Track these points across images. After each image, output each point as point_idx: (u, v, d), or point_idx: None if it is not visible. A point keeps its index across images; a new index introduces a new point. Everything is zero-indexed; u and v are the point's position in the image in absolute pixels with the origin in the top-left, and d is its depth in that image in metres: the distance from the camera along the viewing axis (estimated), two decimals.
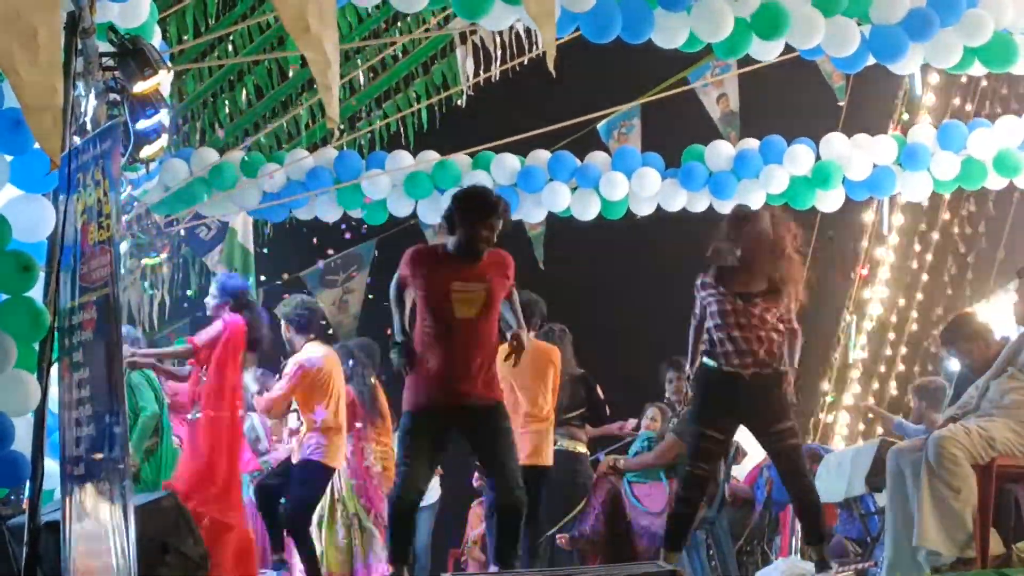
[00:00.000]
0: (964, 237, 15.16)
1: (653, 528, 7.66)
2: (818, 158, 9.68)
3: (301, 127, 11.11)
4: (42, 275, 5.63)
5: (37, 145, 3.92)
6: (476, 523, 10.43)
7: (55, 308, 5.09)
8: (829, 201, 9.84)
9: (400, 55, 10.93)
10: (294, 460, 7.78)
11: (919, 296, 15.81)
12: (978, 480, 5.66)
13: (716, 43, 7.57)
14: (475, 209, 5.91)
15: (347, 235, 11.46)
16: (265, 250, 11.60)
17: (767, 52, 7.80)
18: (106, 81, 5.93)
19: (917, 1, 7.60)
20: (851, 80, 9.85)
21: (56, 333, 5.11)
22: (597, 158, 9.95)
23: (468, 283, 5.87)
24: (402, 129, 10.94)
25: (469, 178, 9.83)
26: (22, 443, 5.50)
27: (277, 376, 8.05)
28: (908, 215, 15.62)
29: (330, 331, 10.42)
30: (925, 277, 15.73)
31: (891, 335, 16.07)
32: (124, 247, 9.50)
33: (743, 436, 7.13)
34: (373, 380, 8.52)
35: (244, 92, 11.17)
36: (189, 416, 7.57)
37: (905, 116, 14.60)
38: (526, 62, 9.67)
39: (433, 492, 10.04)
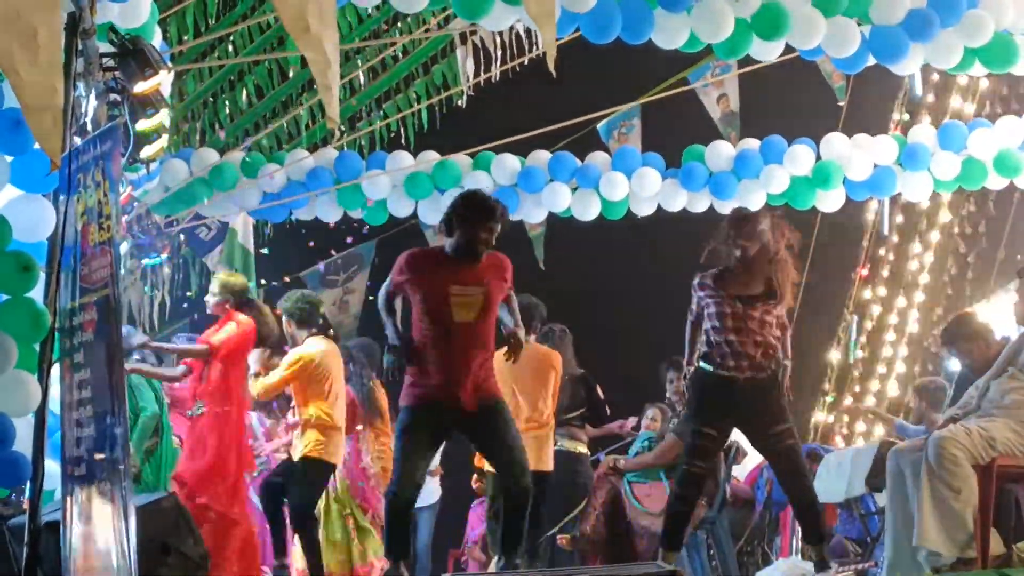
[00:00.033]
0: (964, 237, 15.16)
1: (653, 528, 7.65)
2: (818, 158, 9.68)
3: (301, 127, 11.11)
4: (42, 276, 5.63)
5: (37, 145, 3.92)
6: (476, 524, 10.43)
7: (55, 309, 5.09)
8: (829, 201, 9.84)
9: (400, 55, 10.93)
10: (294, 457, 7.78)
11: (919, 296, 15.81)
12: (978, 480, 5.66)
13: (716, 44, 7.57)
14: (474, 212, 5.93)
15: (349, 239, 11.48)
16: (265, 250, 11.60)
17: (767, 52, 7.80)
18: (106, 81, 5.93)
19: (917, 2, 7.60)
20: (851, 80, 9.84)
21: (56, 334, 5.12)
22: (597, 158, 9.95)
23: (467, 287, 5.89)
24: (402, 129, 10.94)
25: (470, 178, 9.84)
26: (23, 444, 5.50)
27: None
28: (908, 215, 15.62)
29: (331, 331, 10.41)
30: (925, 277, 15.73)
31: (891, 335, 16.07)
32: (124, 248, 9.50)
33: (743, 436, 7.14)
34: (372, 381, 8.51)
35: (244, 92, 11.17)
36: (189, 412, 7.60)
37: (905, 116, 14.59)
38: (526, 62, 9.67)
39: (433, 493, 10.06)
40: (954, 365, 8.05)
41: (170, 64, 7.12)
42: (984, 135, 9.44)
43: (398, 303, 6.06)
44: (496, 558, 6.21)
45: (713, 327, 6.40)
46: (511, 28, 8.85)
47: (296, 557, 7.95)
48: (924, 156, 9.57)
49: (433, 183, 9.85)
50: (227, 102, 11.21)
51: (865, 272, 15.98)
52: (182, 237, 10.68)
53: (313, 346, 7.71)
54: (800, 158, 9.62)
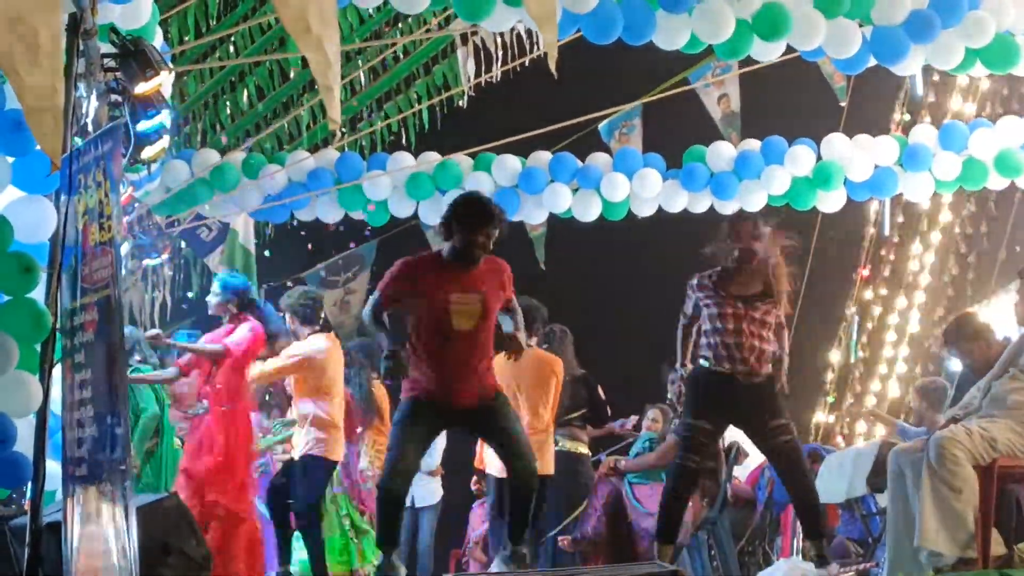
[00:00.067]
0: (965, 237, 15.16)
1: (654, 529, 7.66)
2: (819, 159, 9.68)
3: (302, 128, 11.11)
4: (44, 276, 5.63)
5: (38, 146, 3.92)
6: (477, 524, 10.43)
7: (56, 309, 5.09)
8: (830, 202, 9.84)
9: (401, 56, 10.93)
10: (295, 456, 7.77)
11: (920, 296, 15.80)
12: (979, 481, 5.66)
13: (717, 44, 7.57)
14: (472, 216, 5.90)
15: (352, 244, 11.48)
16: (267, 252, 11.61)
17: (768, 53, 7.80)
18: (107, 82, 5.93)
19: (918, 2, 7.60)
20: (852, 81, 9.84)
21: (58, 334, 5.12)
22: (598, 159, 9.95)
23: (466, 294, 5.86)
24: (403, 130, 10.95)
25: (470, 179, 9.84)
26: (24, 444, 5.50)
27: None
28: (909, 216, 15.61)
29: (331, 331, 10.42)
30: (926, 278, 15.72)
31: (892, 335, 16.07)
32: (125, 248, 9.50)
33: (743, 436, 7.14)
34: (370, 382, 8.50)
35: (245, 93, 11.17)
36: (191, 411, 7.58)
37: (906, 117, 14.59)
38: (527, 63, 9.67)
39: (435, 493, 10.06)
40: (955, 365, 8.04)
41: (171, 65, 7.11)
42: (985, 135, 9.44)
43: (386, 316, 5.99)
44: (502, 548, 6.19)
45: (713, 328, 6.41)
46: (512, 29, 8.86)
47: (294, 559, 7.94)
48: (925, 156, 9.57)
49: (434, 184, 9.84)
50: (228, 103, 11.21)
51: (866, 272, 15.97)
52: (183, 244, 10.69)
53: (316, 343, 7.70)
54: (801, 159, 9.62)
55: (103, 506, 4.53)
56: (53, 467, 5.22)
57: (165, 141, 6.59)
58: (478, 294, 5.88)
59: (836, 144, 9.65)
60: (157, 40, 6.90)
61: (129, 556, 4.33)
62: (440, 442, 9.57)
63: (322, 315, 8.06)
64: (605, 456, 8.88)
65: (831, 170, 9.60)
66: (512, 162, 9.88)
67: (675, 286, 6.70)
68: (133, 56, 5.93)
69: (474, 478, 9.29)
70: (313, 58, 3.87)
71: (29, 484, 5.36)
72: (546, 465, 7.67)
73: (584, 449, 8.50)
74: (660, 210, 10.00)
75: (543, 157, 9.94)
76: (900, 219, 15.75)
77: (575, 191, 9.92)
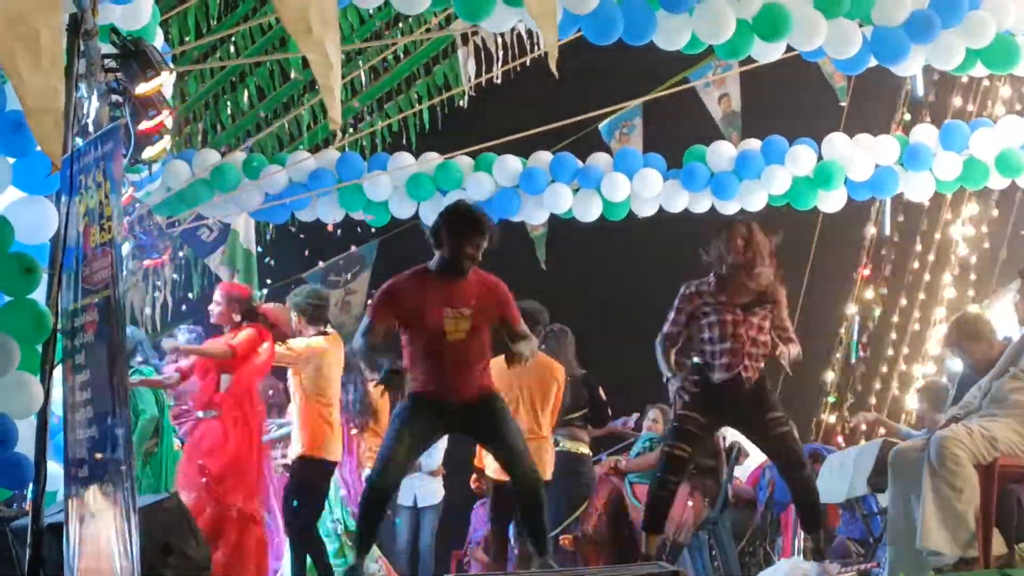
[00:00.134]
0: (966, 237, 15.15)
1: None
2: (820, 158, 9.67)
3: (303, 128, 11.12)
4: (44, 277, 5.64)
5: (39, 147, 3.91)
6: (479, 525, 10.43)
7: (57, 310, 5.10)
8: (831, 201, 9.83)
9: (402, 56, 10.94)
10: (290, 457, 7.76)
11: (921, 296, 15.79)
12: (980, 480, 5.66)
13: (718, 45, 7.57)
14: (460, 226, 5.88)
15: (352, 247, 11.48)
16: (270, 261, 11.63)
17: (769, 53, 7.80)
18: (108, 83, 5.93)
19: (919, 3, 7.60)
20: (853, 80, 9.84)
21: (59, 335, 5.12)
22: (599, 159, 9.95)
23: (455, 309, 5.83)
24: (404, 130, 10.95)
25: (471, 179, 9.85)
26: (25, 445, 5.50)
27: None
28: (910, 215, 15.61)
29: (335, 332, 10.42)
30: (927, 277, 15.72)
31: (893, 335, 16.06)
32: (126, 249, 9.50)
33: (743, 436, 7.14)
34: (366, 384, 8.46)
35: (246, 93, 11.18)
36: (202, 414, 7.53)
37: (907, 116, 14.58)
38: (528, 63, 9.67)
39: (437, 493, 10.06)
40: (956, 365, 8.04)
41: (172, 65, 7.12)
42: (986, 135, 9.43)
43: (376, 343, 5.92)
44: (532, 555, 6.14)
45: (711, 336, 6.39)
46: (512, 29, 8.86)
47: (285, 563, 7.91)
48: (926, 156, 9.57)
49: (435, 184, 9.85)
50: (229, 103, 11.22)
51: (867, 272, 15.96)
52: (183, 249, 10.69)
53: (316, 340, 7.68)
54: (801, 158, 9.62)
55: (104, 507, 4.54)
56: (54, 468, 5.22)
57: (166, 141, 6.59)
58: (467, 308, 5.85)
59: (837, 144, 9.65)
60: (158, 40, 6.90)
61: (131, 556, 4.33)
62: (441, 442, 9.56)
63: (328, 316, 8.02)
64: (606, 456, 8.89)
65: (832, 170, 9.60)
66: (513, 162, 9.88)
67: (676, 286, 6.68)
68: (134, 56, 5.94)
69: (473, 476, 9.28)
70: (314, 58, 3.87)
71: (30, 485, 5.36)
72: (544, 470, 7.66)
73: (585, 449, 8.50)
74: (661, 210, 10.00)
75: (544, 157, 9.94)
76: (901, 219, 15.74)
77: (576, 191, 9.92)
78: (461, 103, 10.56)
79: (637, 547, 7.88)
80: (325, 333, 7.73)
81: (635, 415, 9.16)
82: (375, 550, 8.24)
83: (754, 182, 9.68)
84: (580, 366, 8.46)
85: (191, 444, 7.60)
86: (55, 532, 4.83)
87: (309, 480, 7.58)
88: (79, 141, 5.30)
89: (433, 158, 9.89)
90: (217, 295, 7.72)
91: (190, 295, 11.42)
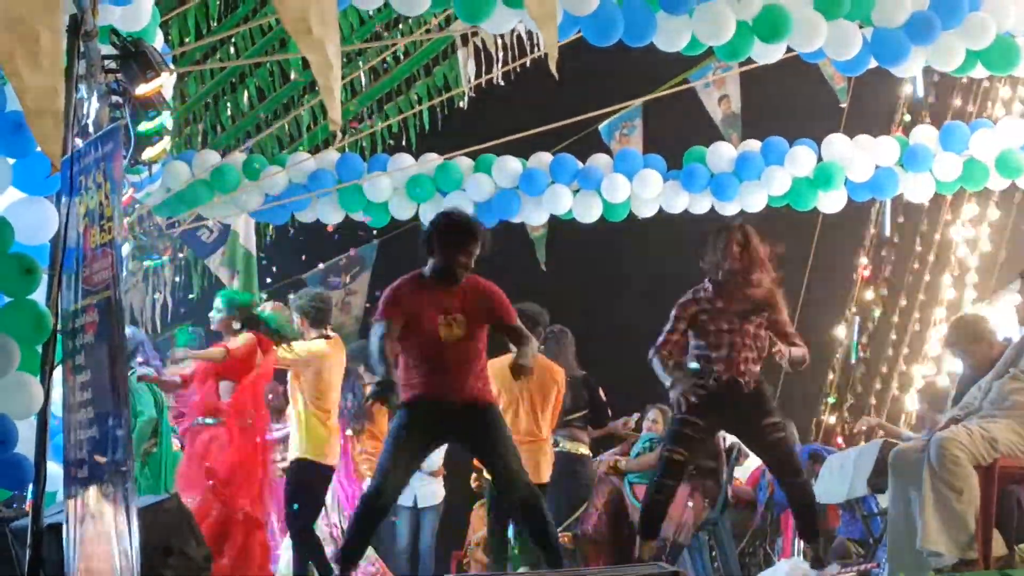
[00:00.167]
0: (966, 238, 15.14)
1: None
2: (820, 159, 9.68)
3: (303, 129, 11.12)
4: (45, 278, 5.63)
5: (39, 148, 3.92)
6: (479, 525, 10.42)
7: (57, 311, 5.10)
8: (831, 202, 9.84)
9: (401, 57, 10.94)
10: (287, 459, 7.75)
11: (921, 297, 15.78)
12: (980, 481, 5.67)
13: (718, 46, 7.57)
14: (452, 235, 5.89)
15: (351, 251, 11.48)
16: (271, 266, 11.64)
17: (769, 55, 7.80)
18: (108, 84, 5.93)
19: (919, 4, 7.60)
20: (853, 81, 9.84)
21: (59, 336, 5.12)
22: (599, 160, 9.95)
23: (449, 315, 5.85)
24: (404, 131, 10.95)
25: (471, 180, 9.85)
26: (25, 446, 5.50)
27: None
28: (910, 216, 15.60)
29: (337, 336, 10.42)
30: (927, 278, 15.71)
31: (893, 336, 16.05)
32: (126, 249, 9.50)
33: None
34: (364, 388, 8.45)
35: (246, 94, 11.18)
36: (210, 421, 7.51)
37: (907, 117, 14.58)
38: (528, 64, 9.67)
39: (437, 494, 10.05)
40: (956, 366, 8.04)
41: (172, 66, 7.12)
42: (986, 136, 9.44)
43: (389, 345, 5.85)
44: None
45: (707, 343, 6.38)
46: (512, 30, 8.86)
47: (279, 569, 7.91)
48: (926, 157, 9.57)
49: (435, 185, 9.85)
50: (229, 104, 11.22)
51: (867, 273, 15.96)
52: (183, 250, 10.69)
53: (317, 343, 7.67)
54: (801, 159, 9.62)
55: (104, 507, 4.54)
56: (54, 469, 5.22)
57: (166, 142, 6.59)
58: (461, 315, 5.86)
59: (837, 145, 9.65)
60: (158, 42, 6.90)
61: (130, 557, 4.33)
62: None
63: (330, 318, 8.01)
64: (605, 455, 8.88)
65: (832, 171, 9.60)
66: (513, 163, 9.88)
67: (676, 287, 6.68)
68: (134, 57, 5.94)
69: (473, 476, 9.29)
70: (314, 59, 3.88)
71: (30, 486, 5.36)
72: (542, 474, 7.67)
73: (585, 450, 8.50)
74: (661, 211, 10.00)
75: (544, 158, 9.94)
76: (900, 219, 15.73)
77: (576, 192, 9.92)
78: (461, 104, 10.57)
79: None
80: (327, 336, 7.72)
81: (636, 415, 9.15)
82: (370, 551, 8.24)
83: (754, 183, 9.68)
84: (580, 367, 8.46)
85: (193, 449, 7.58)
86: (55, 533, 4.83)
87: (307, 483, 7.57)
88: (79, 142, 5.30)
89: (433, 159, 9.89)
90: (218, 302, 7.71)
91: (190, 296, 11.42)
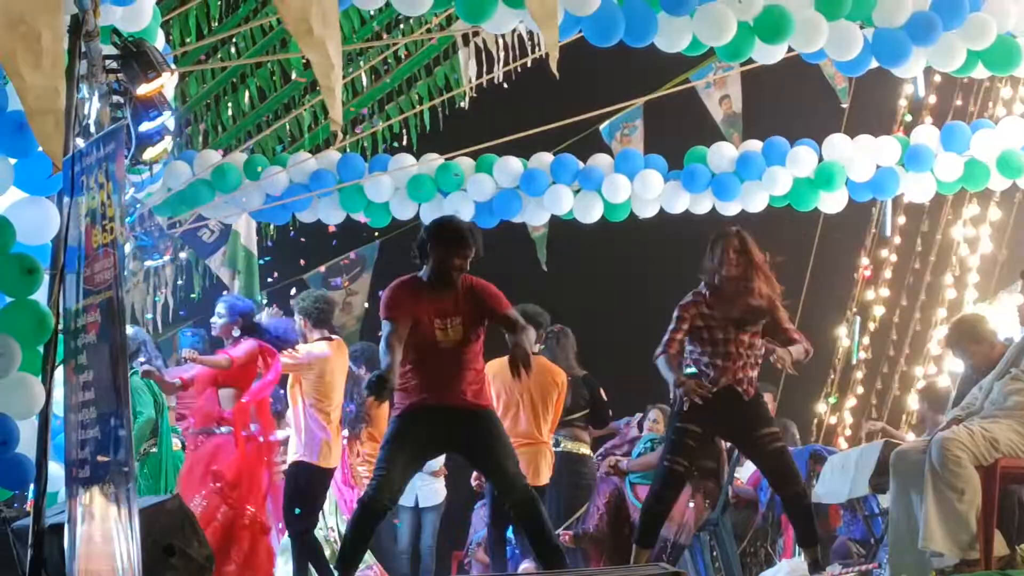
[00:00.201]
0: (967, 238, 15.13)
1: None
2: (821, 159, 9.68)
3: (304, 129, 11.12)
4: (46, 278, 5.64)
5: (40, 148, 3.92)
6: (480, 525, 10.43)
7: (59, 311, 5.10)
8: (832, 202, 9.84)
9: (403, 57, 10.94)
10: (287, 461, 7.75)
11: (922, 297, 15.78)
12: (982, 481, 5.67)
13: (719, 46, 7.57)
14: (446, 240, 5.91)
15: (352, 254, 11.47)
16: (271, 271, 11.63)
17: (770, 55, 7.80)
18: (109, 84, 5.93)
19: (920, 5, 7.60)
20: (854, 82, 9.84)
21: (60, 336, 5.12)
22: (600, 160, 9.95)
23: (446, 318, 5.87)
24: (405, 131, 10.95)
25: (472, 181, 9.85)
26: (27, 446, 5.50)
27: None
28: (911, 216, 15.60)
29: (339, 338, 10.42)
30: (928, 278, 15.70)
31: (894, 336, 16.04)
32: (128, 249, 9.50)
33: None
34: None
35: (247, 94, 11.18)
36: (222, 430, 7.51)
37: (908, 117, 14.58)
38: (529, 64, 9.67)
39: (438, 493, 10.06)
40: (957, 366, 8.04)
41: (173, 66, 7.12)
42: (987, 136, 9.44)
43: (396, 344, 5.84)
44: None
45: (702, 351, 6.36)
46: (513, 30, 8.86)
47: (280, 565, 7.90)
48: (927, 157, 9.57)
49: (436, 185, 9.85)
50: (230, 104, 11.22)
51: (868, 273, 15.95)
52: (184, 250, 10.68)
53: (319, 345, 7.67)
54: (802, 159, 9.62)
55: (106, 507, 4.54)
56: (56, 469, 5.22)
57: (167, 142, 6.59)
58: (458, 318, 5.88)
59: (838, 145, 9.65)
60: (159, 42, 6.90)
61: (132, 557, 4.33)
62: None
63: (333, 319, 8.01)
64: (604, 455, 8.87)
65: (833, 171, 9.60)
66: (513, 163, 9.88)
67: (677, 287, 6.68)
68: (135, 57, 5.94)
69: (474, 475, 9.28)
70: (315, 59, 3.88)
71: (32, 486, 5.36)
72: (541, 476, 7.66)
73: (586, 450, 8.50)
74: (662, 211, 10.00)
75: (544, 158, 9.94)
76: (901, 220, 15.73)
77: (577, 192, 9.92)
78: (462, 104, 10.58)
79: None
80: (329, 338, 7.71)
81: (638, 415, 9.15)
82: (368, 555, 8.23)
83: (755, 183, 9.68)
84: (581, 367, 8.46)
85: (199, 453, 7.57)
86: (56, 533, 4.83)
87: (306, 485, 7.56)
88: (80, 142, 5.30)
89: (434, 159, 9.90)
90: (219, 308, 7.71)
91: (192, 296, 11.41)
